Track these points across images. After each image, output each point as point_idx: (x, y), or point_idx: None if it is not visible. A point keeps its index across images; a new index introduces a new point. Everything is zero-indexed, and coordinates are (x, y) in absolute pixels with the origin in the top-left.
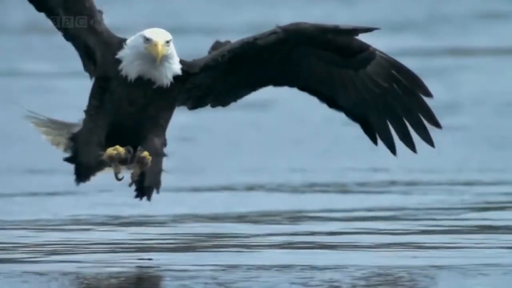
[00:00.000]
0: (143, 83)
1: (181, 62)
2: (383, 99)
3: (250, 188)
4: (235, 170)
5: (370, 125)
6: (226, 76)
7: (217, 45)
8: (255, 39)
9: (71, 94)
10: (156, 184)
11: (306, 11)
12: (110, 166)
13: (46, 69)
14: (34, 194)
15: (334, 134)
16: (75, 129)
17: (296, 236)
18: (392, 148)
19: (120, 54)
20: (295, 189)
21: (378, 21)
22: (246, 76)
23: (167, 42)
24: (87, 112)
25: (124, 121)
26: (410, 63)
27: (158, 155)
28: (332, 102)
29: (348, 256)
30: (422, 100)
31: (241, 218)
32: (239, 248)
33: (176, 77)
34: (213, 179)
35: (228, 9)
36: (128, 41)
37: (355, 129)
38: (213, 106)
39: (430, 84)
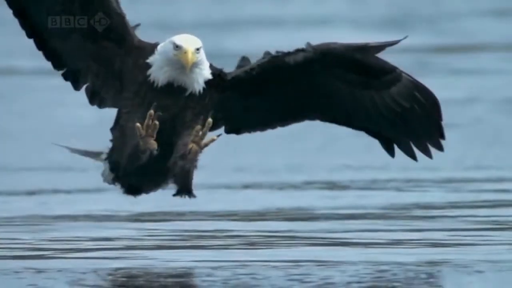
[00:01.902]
0: (174, 89)
1: (211, 67)
2: (402, 116)
3: (247, 186)
4: (232, 168)
5: (387, 139)
6: (247, 97)
7: (243, 60)
8: (284, 54)
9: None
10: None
11: (311, 8)
12: (144, 148)
13: (40, 66)
14: (31, 192)
15: (331, 131)
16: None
17: (294, 233)
18: (413, 157)
19: (151, 59)
20: (292, 187)
21: (379, 18)
22: (266, 101)
23: (197, 49)
24: (119, 118)
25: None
26: (408, 60)
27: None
28: (349, 124)
29: (344, 253)
30: (438, 123)
31: (238, 215)
32: (236, 245)
33: (208, 82)
34: (211, 177)
35: (232, 6)
36: (158, 47)
37: None
38: (227, 131)
39: (427, 81)
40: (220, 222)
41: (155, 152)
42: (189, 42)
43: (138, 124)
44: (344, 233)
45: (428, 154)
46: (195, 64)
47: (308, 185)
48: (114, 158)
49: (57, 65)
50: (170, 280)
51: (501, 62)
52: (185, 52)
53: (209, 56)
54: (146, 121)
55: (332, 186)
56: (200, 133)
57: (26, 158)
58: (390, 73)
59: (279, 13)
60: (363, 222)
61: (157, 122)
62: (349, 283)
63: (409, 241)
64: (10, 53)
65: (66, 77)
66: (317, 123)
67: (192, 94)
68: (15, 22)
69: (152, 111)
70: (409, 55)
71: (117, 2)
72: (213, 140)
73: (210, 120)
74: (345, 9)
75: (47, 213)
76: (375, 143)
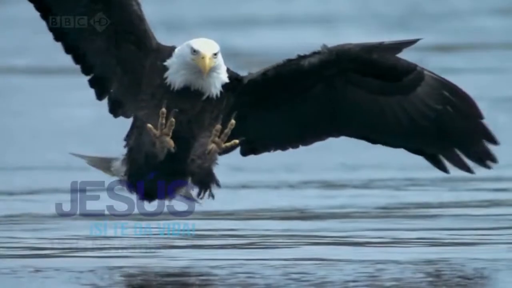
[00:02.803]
0: (191, 93)
1: (228, 71)
2: (438, 122)
3: (244, 185)
4: (230, 167)
5: (432, 155)
6: (264, 104)
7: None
8: (299, 57)
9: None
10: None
11: (316, 6)
12: (160, 147)
13: (39, 66)
14: (30, 191)
15: None
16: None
17: (291, 232)
18: (467, 169)
19: (168, 62)
20: (289, 186)
21: (381, 16)
22: (284, 112)
23: (215, 54)
24: (136, 121)
25: (174, 128)
26: (408, 58)
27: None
28: (382, 139)
29: (342, 252)
30: (480, 123)
31: (236, 215)
32: (234, 244)
33: (225, 86)
34: None
35: (237, 4)
36: (176, 50)
37: None
38: (244, 152)
39: None
40: (218, 221)
41: (172, 150)
42: (206, 47)
43: (149, 125)
44: (341, 232)
45: (482, 163)
46: (213, 69)
47: (305, 184)
48: (131, 161)
49: (85, 69)
50: (168, 279)
51: (501, 61)
52: (203, 57)
53: None
54: (159, 120)
55: (329, 185)
56: (222, 134)
57: (25, 157)
58: (411, 72)
59: (284, 11)
60: (361, 221)
61: (173, 120)
62: (346, 281)
63: (407, 240)
64: (9, 52)
65: (92, 83)
66: None
67: (209, 98)
68: (14, 22)
69: (164, 109)
70: (409, 54)
71: (138, 5)
72: (234, 144)
73: (233, 121)
74: (349, 7)
75: (46, 212)
76: (375, 145)
